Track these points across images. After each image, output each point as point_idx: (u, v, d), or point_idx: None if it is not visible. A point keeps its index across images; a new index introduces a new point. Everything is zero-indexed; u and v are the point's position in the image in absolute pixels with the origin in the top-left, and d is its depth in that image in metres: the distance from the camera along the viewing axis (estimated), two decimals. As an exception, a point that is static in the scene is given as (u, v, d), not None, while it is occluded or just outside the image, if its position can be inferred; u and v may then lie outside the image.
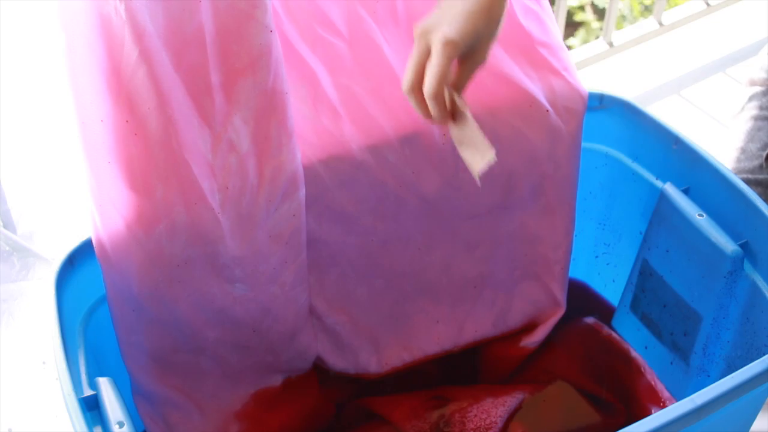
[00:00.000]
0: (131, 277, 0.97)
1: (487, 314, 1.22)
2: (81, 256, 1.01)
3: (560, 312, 1.24)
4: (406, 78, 0.86)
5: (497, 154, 1.07)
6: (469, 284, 1.19)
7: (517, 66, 1.04)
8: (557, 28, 1.07)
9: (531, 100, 1.06)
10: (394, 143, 1.04)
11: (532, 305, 1.23)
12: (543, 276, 1.21)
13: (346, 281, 1.12)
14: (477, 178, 0.88)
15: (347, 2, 0.94)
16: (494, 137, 1.07)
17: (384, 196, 1.07)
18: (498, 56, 1.03)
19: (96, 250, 0.96)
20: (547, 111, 1.07)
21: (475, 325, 1.22)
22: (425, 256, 1.14)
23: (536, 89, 1.06)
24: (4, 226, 1.53)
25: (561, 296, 1.23)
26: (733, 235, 1.04)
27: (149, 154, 0.90)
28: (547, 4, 1.05)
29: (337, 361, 1.16)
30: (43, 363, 1.35)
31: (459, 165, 1.07)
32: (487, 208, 1.13)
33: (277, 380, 1.14)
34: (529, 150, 1.10)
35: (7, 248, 1.51)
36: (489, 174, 1.09)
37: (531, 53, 1.05)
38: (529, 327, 1.24)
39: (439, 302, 1.19)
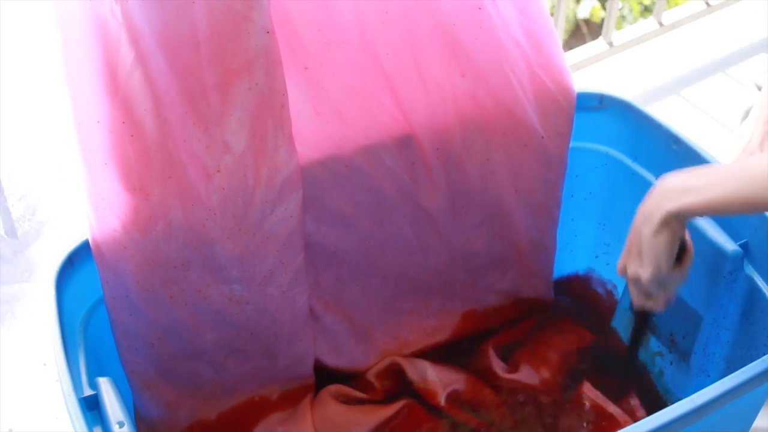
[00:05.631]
0: (128, 280, 0.97)
1: (479, 311, 1.24)
2: (81, 257, 1.01)
3: (548, 306, 1.27)
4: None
5: (492, 174, 1.09)
6: (463, 285, 1.20)
7: (519, 87, 1.05)
8: (558, 48, 1.07)
9: (528, 128, 1.07)
10: (390, 147, 1.04)
11: (523, 304, 1.25)
12: (531, 281, 1.23)
13: (342, 281, 1.12)
14: None
15: (351, 6, 0.94)
16: (489, 158, 1.08)
17: (381, 200, 1.07)
18: (501, 82, 1.03)
19: (93, 252, 0.96)
20: (542, 137, 1.08)
21: (466, 321, 1.23)
22: (421, 259, 1.15)
23: (533, 116, 1.07)
24: (6, 229, 1.53)
25: (548, 293, 1.27)
26: (733, 235, 1.04)
27: (145, 156, 0.90)
28: (546, 24, 1.04)
29: (333, 360, 1.17)
30: (44, 365, 1.35)
31: (452, 179, 1.08)
32: (480, 220, 1.14)
33: (273, 391, 1.14)
34: (521, 175, 1.11)
35: (9, 250, 1.51)
36: (483, 190, 1.11)
37: (531, 76, 1.05)
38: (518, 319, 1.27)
39: (431, 300, 1.20)
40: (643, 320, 1.11)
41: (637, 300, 1.01)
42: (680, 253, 0.96)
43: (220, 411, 1.12)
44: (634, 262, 0.96)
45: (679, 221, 0.92)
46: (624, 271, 0.99)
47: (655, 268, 0.94)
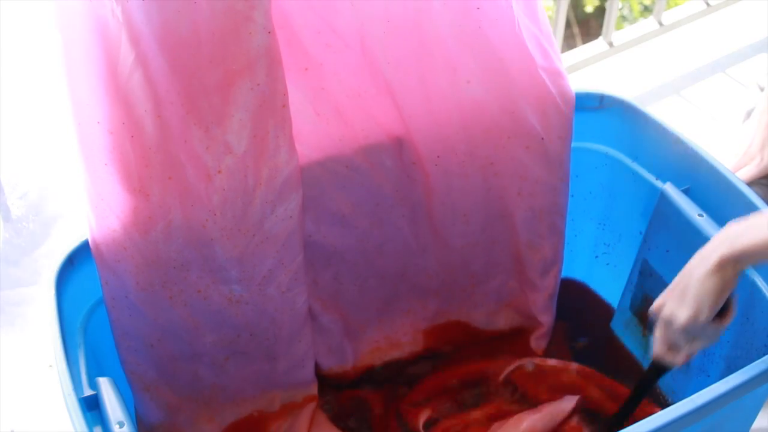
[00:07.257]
0: (128, 280, 0.97)
1: (475, 317, 1.23)
2: (81, 257, 1.01)
3: (543, 329, 1.25)
4: None
5: (494, 177, 1.09)
6: (459, 288, 1.20)
7: (519, 91, 1.04)
8: (557, 53, 1.07)
9: (530, 130, 1.07)
10: (390, 147, 1.04)
11: (520, 317, 1.25)
12: (531, 295, 1.22)
13: (339, 281, 1.13)
14: None
15: (353, 9, 0.94)
16: (492, 162, 1.08)
17: (380, 200, 1.07)
18: (504, 83, 1.03)
19: (92, 252, 0.96)
20: (542, 139, 1.08)
21: (460, 327, 1.23)
22: (419, 261, 1.15)
23: (533, 119, 1.07)
24: (15, 231, 1.53)
25: (547, 315, 1.24)
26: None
27: (146, 157, 0.90)
28: (547, 27, 1.05)
29: (327, 361, 1.17)
30: (50, 366, 1.35)
31: (453, 182, 1.08)
32: (481, 222, 1.13)
33: (275, 401, 1.14)
34: (525, 177, 1.11)
35: (18, 253, 1.51)
36: (485, 192, 1.10)
37: (534, 77, 1.05)
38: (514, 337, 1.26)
39: (428, 302, 1.20)
40: (654, 375, 1.04)
41: (659, 350, 0.97)
42: (723, 310, 0.92)
43: (219, 418, 1.12)
44: (673, 302, 0.92)
45: (734, 268, 0.88)
46: (659, 310, 0.94)
47: (695, 312, 0.89)
